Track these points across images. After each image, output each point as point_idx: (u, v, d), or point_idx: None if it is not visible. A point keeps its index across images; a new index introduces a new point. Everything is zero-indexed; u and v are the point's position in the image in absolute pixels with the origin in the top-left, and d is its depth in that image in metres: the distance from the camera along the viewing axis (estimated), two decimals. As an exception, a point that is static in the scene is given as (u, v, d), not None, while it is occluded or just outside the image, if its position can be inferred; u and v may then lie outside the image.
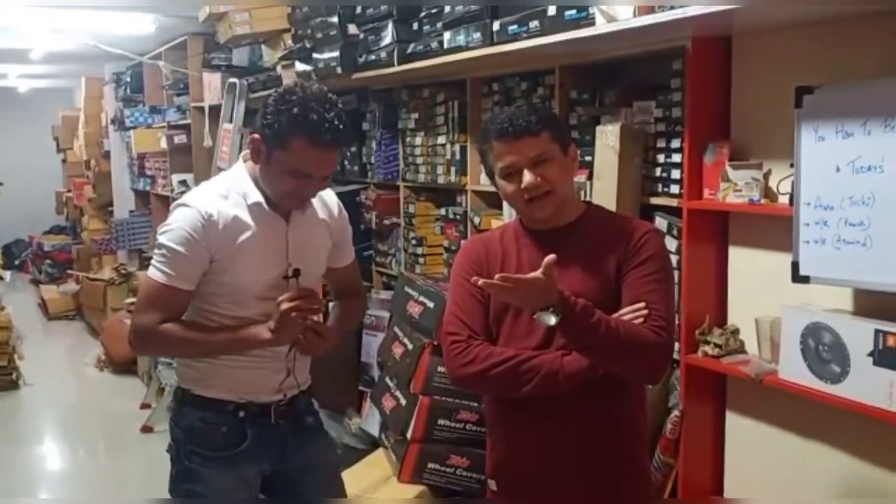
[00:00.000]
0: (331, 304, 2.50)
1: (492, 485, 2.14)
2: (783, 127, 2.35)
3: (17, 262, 12.03)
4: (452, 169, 3.77)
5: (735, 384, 2.68)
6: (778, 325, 2.43)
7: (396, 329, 3.51)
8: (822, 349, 2.27)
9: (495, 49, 2.96)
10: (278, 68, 4.74)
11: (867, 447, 2.34)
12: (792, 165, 2.31)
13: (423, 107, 3.96)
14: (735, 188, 2.47)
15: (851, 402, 2.21)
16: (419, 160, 4.02)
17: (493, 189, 2.24)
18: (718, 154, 2.55)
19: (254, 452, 2.23)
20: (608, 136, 2.73)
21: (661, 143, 2.71)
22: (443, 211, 3.93)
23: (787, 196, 2.36)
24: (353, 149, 4.61)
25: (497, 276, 1.81)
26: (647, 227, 2.08)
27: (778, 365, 2.43)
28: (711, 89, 2.59)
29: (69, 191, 10.68)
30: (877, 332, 2.14)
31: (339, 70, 3.93)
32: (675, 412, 2.67)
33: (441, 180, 3.87)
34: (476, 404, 3.04)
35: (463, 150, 3.70)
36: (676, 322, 2.55)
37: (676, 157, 2.65)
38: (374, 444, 3.71)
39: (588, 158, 2.84)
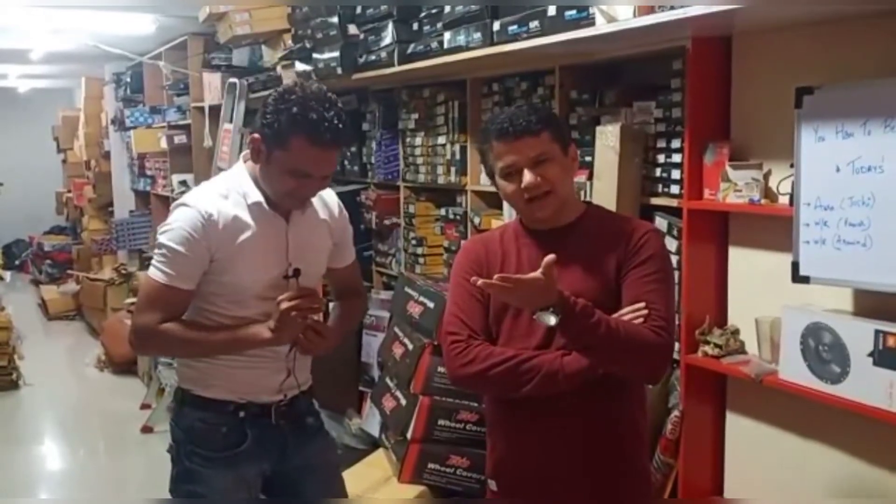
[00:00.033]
0: (331, 305, 2.50)
1: (492, 485, 2.15)
2: (783, 127, 2.35)
3: (17, 263, 12.03)
4: (452, 169, 3.77)
5: (735, 384, 2.68)
6: (778, 326, 2.43)
7: (396, 329, 3.51)
8: (822, 349, 2.27)
9: (495, 49, 2.96)
10: (278, 68, 4.74)
11: (867, 447, 2.34)
12: (792, 166, 2.31)
13: (424, 107, 3.96)
14: (735, 188, 2.47)
15: (851, 403, 2.21)
16: (419, 160, 4.02)
17: (493, 189, 2.24)
18: (718, 154, 2.55)
19: (254, 453, 2.23)
20: (608, 137, 2.73)
21: (661, 144, 2.71)
22: (443, 211, 3.93)
23: (788, 196, 2.36)
24: (354, 149, 4.61)
25: (496, 276, 1.81)
26: (647, 227, 2.08)
27: (778, 365, 2.43)
28: (711, 89, 2.59)
29: (69, 191, 10.69)
30: (877, 332, 2.14)
31: (339, 70, 3.93)
32: (675, 412, 2.67)
33: (441, 180, 3.87)
34: (476, 404, 3.04)
35: (463, 150, 3.70)
36: (676, 322, 2.55)
37: (676, 158, 2.65)
38: (374, 444, 3.71)
39: (588, 159, 2.84)
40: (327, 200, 2.34)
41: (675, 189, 2.67)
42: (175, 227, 2.11)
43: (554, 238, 2.02)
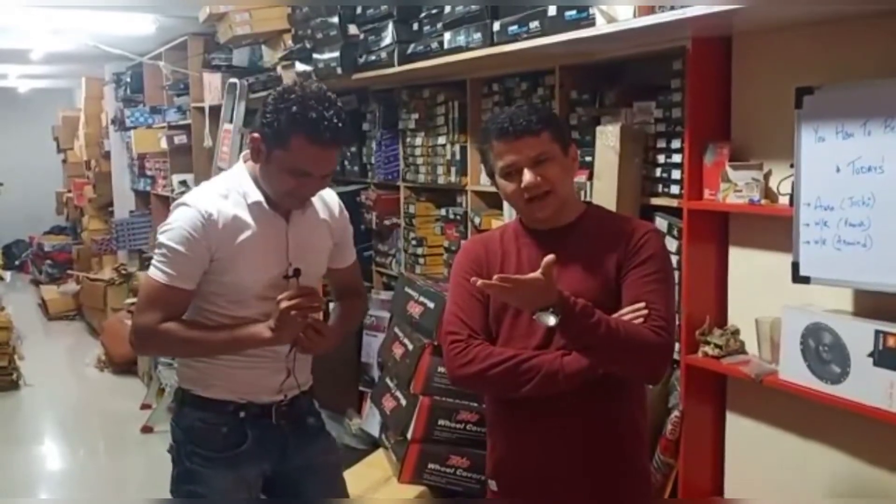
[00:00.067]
0: (331, 305, 2.50)
1: (492, 485, 2.14)
2: (783, 127, 2.35)
3: (17, 263, 12.03)
4: (452, 169, 3.77)
5: (735, 384, 2.68)
6: (778, 326, 2.43)
7: (397, 329, 3.51)
8: (823, 350, 2.27)
9: (495, 49, 2.96)
10: (278, 69, 4.75)
11: (867, 448, 2.34)
12: (792, 166, 2.31)
13: (424, 107, 3.96)
14: (735, 188, 2.47)
15: (851, 403, 2.21)
16: (419, 160, 4.03)
17: (493, 189, 2.24)
18: (718, 154, 2.55)
19: (254, 453, 2.23)
20: (608, 137, 2.73)
21: (661, 144, 2.71)
22: (443, 211, 3.93)
23: (788, 196, 2.36)
24: (354, 149, 4.61)
25: (495, 276, 1.81)
26: (647, 227, 2.08)
27: (778, 365, 2.43)
28: (711, 90, 2.59)
29: (69, 191, 10.69)
30: (877, 332, 2.14)
31: (339, 70, 3.93)
32: (676, 412, 2.67)
33: (441, 181, 3.87)
34: (476, 404, 3.04)
35: (463, 150, 3.71)
36: (677, 322, 2.55)
37: (676, 158, 2.65)
38: (374, 444, 3.71)
39: (588, 159, 2.84)
40: (328, 200, 2.34)
41: (675, 189, 2.67)
42: (175, 226, 2.11)
43: (554, 238, 2.02)
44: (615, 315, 1.91)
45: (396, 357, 3.41)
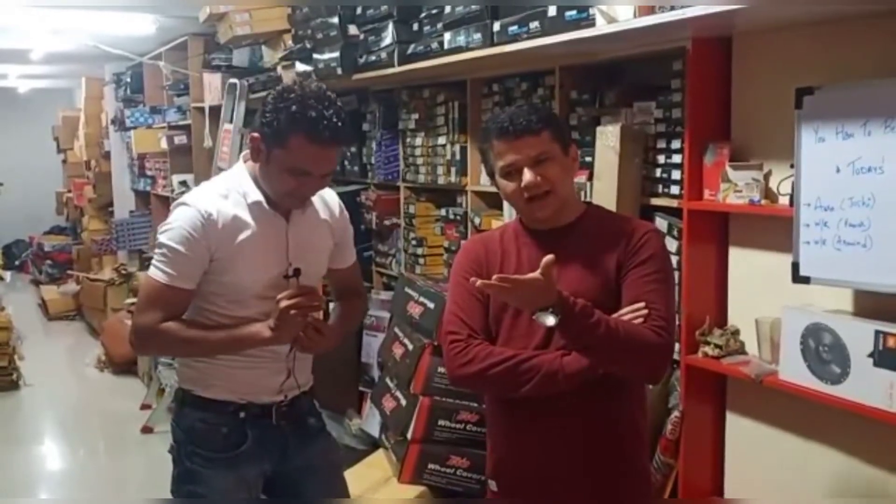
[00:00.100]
0: (331, 305, 2.50)
1: (492, 485, 2.14)
2: (783, 128, 2.36)
3: (17, 263, 12.03)
4: (453, 169, 3.77)
5: (735, 385, 2.68)
6: (778, 326, 2.43)
7: (397, 330, 3.51)
8: (823, 350, 2.27)
9: (496, 50, 2.96)
10: (279, 69, 4.75)
11: (867, 448, 2.34)
12: (792, 166, 2.31)
13: (424, 107, 3.96)
14: (735, 189, 2.47)
15: (851, 403, 2.21)
16: (419, 161, 4.03)
17: (493, 190, 2.24)
18: (719, 155, 2.55)
19: (255, 453, 2.23)
20: (608, 137, 2.73)
21: (661, 144, 2.71)
22: (443, 211, 3.93)
23: (788, 197, 2.36)
24: (354, 149, 4.61)
25: (494, 276, 1.81)
26: (647, 226, 2.08)
27: (778, 366, 2.43)
28: (711, 90, 2.59)
29: (69, 191, 10.69)
30: (877, 332, 2.14)
31: (339, 71, 3.94)
32: (676, 413, 2.67)
33: (441, 181, 3.87)
34: (476, 405, 3.04)
35: (463, 150, 3.71)
36: (677, 323, 2.55)
37: (677, 158, 2.65)
38: (374, 444, 3.71)
39: (588, 159, 2.84)
40: (328, 200, 2.34)
41: (675, 189, 2.67)
42: (175, 226, 2.11)
43: (554, 238, 2.02)
44: (615, 315, 1.91)
45: (396, 357, 3.41)
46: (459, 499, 3.13)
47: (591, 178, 2.86)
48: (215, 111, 5.68)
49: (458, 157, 3.74)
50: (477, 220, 3.60)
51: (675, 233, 2.67)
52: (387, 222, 4.32)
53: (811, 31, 2.34)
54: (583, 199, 2.78)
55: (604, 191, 2.74)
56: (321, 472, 2.36)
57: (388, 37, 3.62)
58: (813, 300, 2.36)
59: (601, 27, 2.47)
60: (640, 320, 1.90)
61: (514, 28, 2.85)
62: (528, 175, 1.96)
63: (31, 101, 12.54)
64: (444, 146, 3.83)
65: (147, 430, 5.34)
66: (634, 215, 2.65)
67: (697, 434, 2.69)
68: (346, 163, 4.70)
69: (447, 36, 3.23)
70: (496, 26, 2.96)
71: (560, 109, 3.03)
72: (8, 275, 10.26)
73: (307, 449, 2.31)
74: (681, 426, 2.66)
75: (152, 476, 4.31)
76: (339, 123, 2.04)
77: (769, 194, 2.48)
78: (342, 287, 2.46)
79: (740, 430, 2.69)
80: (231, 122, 5.16)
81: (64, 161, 11.15)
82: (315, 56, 4.15)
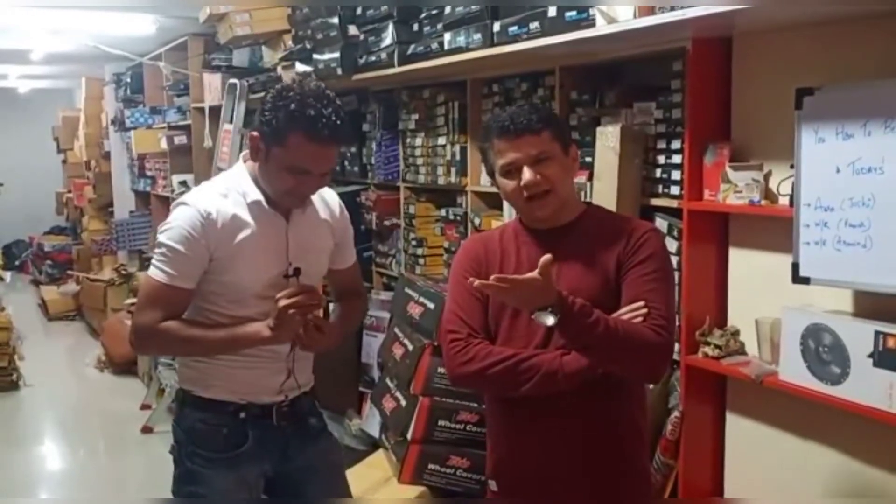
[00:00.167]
0: (331, 306, 2.50)
1: (492, 485, 2.15)
2: (783, 128, 2.36)
3: (17, 263, 12.03)
4: (453, 170, 3.77)
5: (735, 385, 2.68)
6: (778, 327, 2.43)
7: (397, 330, 3.51)
8: (823, 350, 2.27)
9: (496, 50, 2.96)
10: (279, 69, 4.75)
11: (867, 448, 2.34)
12: (792, 167, 2.31)
13: (424, 108, 3.96)
14: (735, 189, 2.47)
15: (851, 404, 2.21)
16: (419, 161, 4.03)
17: (493, 190, 2.24)
18: (719, 155, 2.55)
19: (255, 454, 2.23)
20: (608, 137, 2.73)
21: (661, 144, 2.71)
22: (443, 212, 3.93)
23: (788, 197, 2.36)
24: (354, 150, 4.61)
25: (492, 276, 1.81)
26: (647, 226, 2.08)
27: (778, 366, 2.43)
28: (712, 90, 2.59)
29: (69, 191, 10.69)
30: (877, 333, 2.14)
31: (339, 71, 3.94)
32: (676, 413, 2.67)
33: (441, 181, 3.87)
34: (476, 405, 3.04)
35: (463, 150, 3.71)
36: (677, 323, 2.55)
37: (677, 159, 2.65)
38: (374, 445, 3.71)
39: (588, 159, 2.84)
40: (328, 200, 2.34)
41: (675, 190, 2.67)
42: (174, 226, 2.11)
43: (553, 237, 2.02)
44: (615, 314, 1.91)
45: (396, 357, 3.41)
46: (459, 499, 3.13)
47: (591, 178, 2.86)
48: (215, 111, 5.68)
49: (458, 157, 3.74)
50: (477, 221, 3.60)
51: (675, 233, 2.67)
52: (387, 222, 4.31)
53: (811, 31, 2.34)
54: (583, 199, 2.78)
55: (604, 191, 2.74)
56: (322, 473, 2.36)
57: (388, 37, 3.62)
58: (813, 300, 2.36)
59: (601, 27, 2.47)
60: (640, 319, 1.90)
61: (514, 28, 2.85)
62: (527, 174, 1.96)
63: (31, 101, 12.55)
64: (444, 146, 3.83)
65: (147, 430, 5.34)
66: (634, 216, 2.65)
67: (697, 434, 2.69)
68: (346, 163, 4.70)
69: (447, 36, 3.23)
70: (496, 27, 2.96)
71: (560, 110, 3.03)
72: (8, 275, 10.26)
73: (308, 449, 2.31)
74: (681, 426, 2.66)
75: (152, 476, 4.32)
76: (338, 122, 2.04)
77: (769, 195, 2.48)
78: (342, 288, 2.46)
79: (740, 431, 2.69)
80: (231, 122, 5.17)
81: (64, 161, 11.15)
82: (315, 56, 4.15)
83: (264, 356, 2.20)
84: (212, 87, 5.87)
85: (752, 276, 2.61)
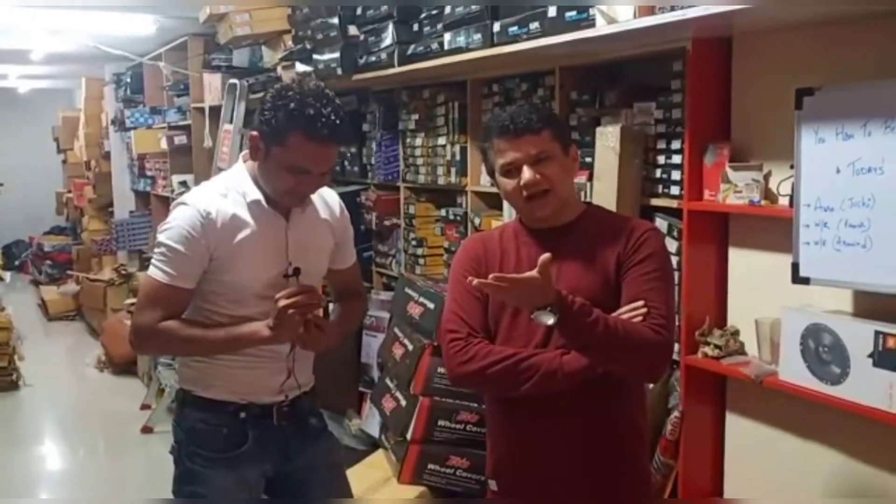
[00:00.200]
0: (331, 306, 2.49)
1: (492, 485, 2.15)
2: (783, 128, 2.36)
3: (17, 263, 12.02)
4: (453, 170, 3.77)
5: (735, 385, 2.68)
6: (778, 327, 2.43)
7: (397, 330, 3.51)
8: (822, 350, 2.27)
9: (496, 50, 2.96)
10: (279, 69, 4.75)
11: (867, 448, 2.34)
12: (792, 167, 2.31)
13: (424, 108, 3.96)
14: (735, 189, 2.47)
15: (851, 404, 2.21)
16: (419, 161, 4.03)
17: (493, 190, 2.24)
18: (719, 155, 2.55)
19: (255, 454, 2.23)
20: (608, 138, 2.73)
21: (661, 145, 2.71)
22: (443, 212, 3.93)
23: (788, 197, 2.36)
24: (354, 150, 4.61)
25: (491, 275, 1.81)
26: (646, 225, 2.08)
27: (778, 366, 2.43)
28: (712, 90, 2.59)
29: (69, 191, 10.69)
30: (877, 333, 2.14)
31: (339, 71, 3.94)
32: (675, 413, 2.67)
33: (441, 181, 3.87)
34: (476, 405, 3.04)
35: (463, 150, 3.71)
36: (677, 323, 2.55)
37: (677, 159, 2.65)
38: (374, 445, 3.71)
39: (588, 159, 2.84)
40: (328, 200, 2.34)
41: (675, 190, 2.67)
42: (174, 225, 2.11)
43: (553, 237, 2.02)
44: (615, 314, 1.91)
45: (396, 357, 3.41)
46: (459, 499, 3.13)
47: (591, 178, 2.86)
48: (215, 111, 5.68)
49: (458, 157, 3.74)
50: (477, 221, 3.60)
51: (675, 233, 2.67)
52: (387, 222, 4.32)
53: (811, 31, 2.34)
54: (583, 199, 2.78)
55: (604, 191, 2.74)
56: (323, 473, 2.35)
57: (388, 37, 3.62)
58: (813, 301, 2.36)
59: (601, 28, 2.47)
60: (640, 318, 1.90)
61: (514, 29, 2.85)
62: (527, 173, 1.96)
63: (31, 101, 12.55)
64: (444, 146, 3.83)
65: (147, 430, 5.34)
66: (634, 216, 2.65)
67: (697, 434, 2.69)
68: (346, 163, 4.70)
69: (447, 36, 3.23)
70: (496, 27, 2.96)
71: (560, 110, 3.03)
72: (8, 275, 10.27)
73: (308, 449, 2.31)
74: (681, 426, 2.66)
75: (152, 476, 4.32)
76: (338, 121, 2.04)
77: (769, 195, 2.48)
78: (342, 288, 2.46)
79: (740, 431, 2.69)
80: (231, 122, 5.17)
81: (64, 161, 11.15)
82: (315, 56, 4.15)
83: (265, 356, 2.20)
84: (212, 87, 5.87)
85: (751, 276, 2.61)
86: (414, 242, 4.06)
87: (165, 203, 6.94)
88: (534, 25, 2.75)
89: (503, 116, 2.01)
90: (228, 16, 4.75)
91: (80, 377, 6.97)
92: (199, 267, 2.12)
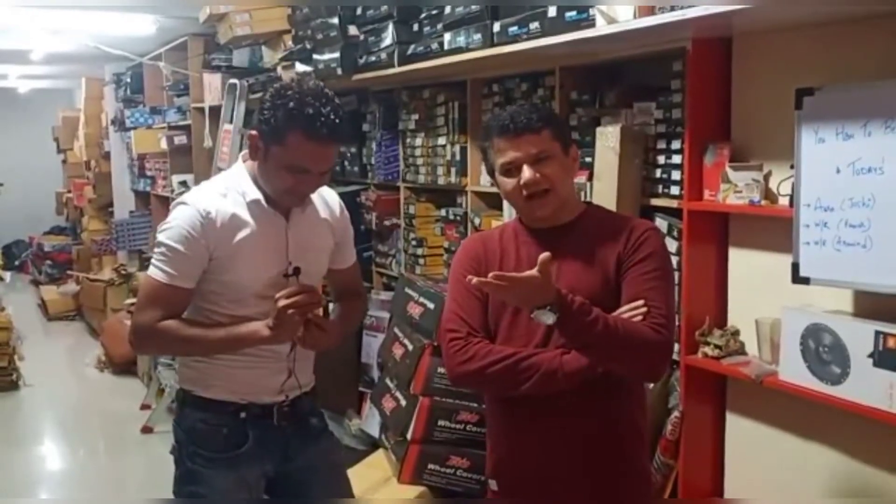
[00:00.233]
0: (331, 306, 2.49)
1: (492, 485, 2.15)
2: (783, 128, 2.36)
3: (17, 263, 12.02)
4: (452, 170, 3.77)
5: (735, 385, 2.68)
6: (778, 327, 2.43)
7: (397, 330, 3.51)
8: (823, 350, 2.27)
9: (496, 50, 2.96)
10: (279, 69, 4.75)
11: (867, 448, 2.34)
12: (792, 167, 2.31)
13: (424, 108, 3.96)
14: (735, 189, 2.47)
15: (851, 404, 2.21)
16: (419, 161, 4.03)
17: (493, 190, 2.24)
18: (719, 155, 2.55)
19: (255, 454, 2.23)
20: (608, 138, 2.73)
21: (661, 145, 2.71)
22: (443, 212, 3.93)
23: (788, 197, 2.36)
24: (354, 149, 4.61)
25: (491, 274, 1.81)
26: (646, 225, 2.08)
27: (778, 366, 2.43)
28: (712, 90, 2.59)
29: (69, 191, 10.69)
30: (877, 333, 2.14)
31: (339, 71, 3.94)
32: (676, 413, 2.67)
33: (441, 181, 3.87)
34: (476, 405, 3.04)
35: (463, 150, 3.71)
36: (677, 323, 2.55)
37: (677, 159, 2.65)
38: (374, 445, 3.71)
39: (588, 159, 2.84)
40: (328, 199, 2.34)
41: (675, 190, 2.67)
42: (174, 225, 2.11)
43: (553, 236, 2.02)
44: (615, 313, 1.91)
45: (396, 357, 3.41)
46: (459, 499, 3.13)
47: (591, 178, 2.86)
48: (215, 111, 5.68)
49: (458, 157, 3.74)
50: (477, 221, 3.60)
51: (675, 233, 2.67)
52: (387, 222, 4.32)
53: (811, 31, 2.34)
54: (583, 199, 2.78)
55: (604, 191, 2.74)
56: (323, 473, 2.35)
57: (388, 37, 3.62)
58: (813, 301, 2.36)
59: (601, 28, 2.47)
60: (640, 318, 1.90)
61: (514, 29, 2.85)
62: (527, 172, 1.96)
63: (31, 101, 12.55)
64: (444, 146, 3.83)
65: (147, 430, 5.34)
66: (634, 216, 2.65)
67: (697, 434, 2.69)
68: (345, 163, 4.70)
69: (447, 36, 3.23)
70: (496, 27, 2.96)
71: (560, 110, 3.03)
72: (8, 275, 10.26)
73: (309, 449, 2.31)
74: (681, 426, 2.66)
75: (152, 476, 4.32)
76: (337, 120, 2.04)
77: (769, 195, 2.48)
78: (342, 288, 2.46)
79: (740, 431, 2.69)
80: (231, 122, 5.17)
81: (64, 161, 11.15)
82: (315, 56, 4.15)
83: (265, 356, 2.20)
84: (212, 87, 5.87)
85: (751, 277, 2.61)
86: (414, 242, 4.06)
87: (165, 203, 6.94)
88: (534, 25, 2.75)
89: (503, 116, 2.01)
90: (228, 16, 4.75)
91: (80, 377, 6.97)
92: (199, 267, 2.12)
